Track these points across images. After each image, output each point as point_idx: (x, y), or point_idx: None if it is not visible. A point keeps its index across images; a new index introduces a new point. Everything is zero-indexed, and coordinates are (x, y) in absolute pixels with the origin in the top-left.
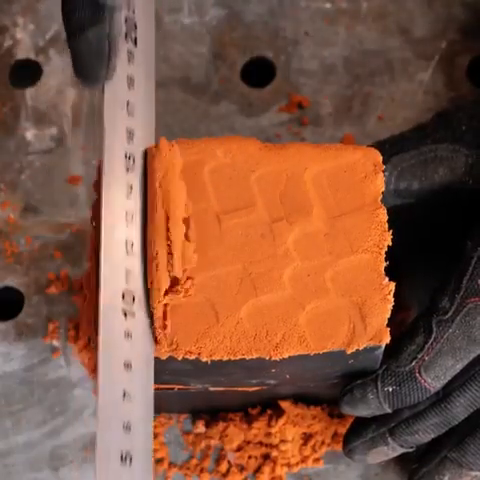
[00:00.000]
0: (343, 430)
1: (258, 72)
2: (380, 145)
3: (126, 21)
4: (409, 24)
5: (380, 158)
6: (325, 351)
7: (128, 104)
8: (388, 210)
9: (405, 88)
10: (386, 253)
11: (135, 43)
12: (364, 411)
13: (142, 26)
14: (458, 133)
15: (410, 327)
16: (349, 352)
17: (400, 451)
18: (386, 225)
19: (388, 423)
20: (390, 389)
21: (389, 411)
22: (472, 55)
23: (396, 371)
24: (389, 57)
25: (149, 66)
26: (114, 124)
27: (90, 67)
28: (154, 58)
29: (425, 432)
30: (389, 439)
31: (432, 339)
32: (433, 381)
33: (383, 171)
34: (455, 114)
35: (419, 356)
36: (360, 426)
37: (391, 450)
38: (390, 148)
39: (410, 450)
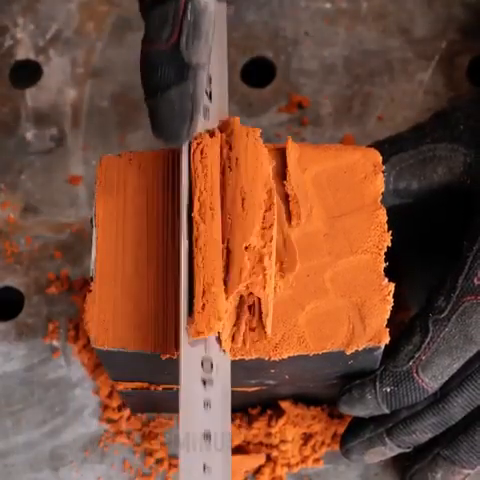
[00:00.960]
0: (343, 430)
1: (258, 72)
2: (379, 145)
3: None
4: (409, 24)
5: (380, 158)
6: (324, 352)
7: None
8: (387, 210)
9: (405, 88)
10: (386, 253)
11: (210, 98)
12: (362, 411)
13: (216, 79)
14: (456, 132)
15: (407, 327)
16: (348, 353)
17: (397, 451)
18: (386, 226)
19: (386, 423)
20: (388, 389)
21: (387, 412)
22: (472, 55)
23: (394, 371)
24: (389, 57)
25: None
26: None
27: (171, 126)
28: (227, 111)
29: (422, 432)
30: (386, 439)
31: (428, 339)
32: (430, 381)
33: (382, 171)
34: (453, 114)
35: (416, 356)
36: (358, 426)
37: (388, 450)
38: (389, 148)
39: (407, 450)
